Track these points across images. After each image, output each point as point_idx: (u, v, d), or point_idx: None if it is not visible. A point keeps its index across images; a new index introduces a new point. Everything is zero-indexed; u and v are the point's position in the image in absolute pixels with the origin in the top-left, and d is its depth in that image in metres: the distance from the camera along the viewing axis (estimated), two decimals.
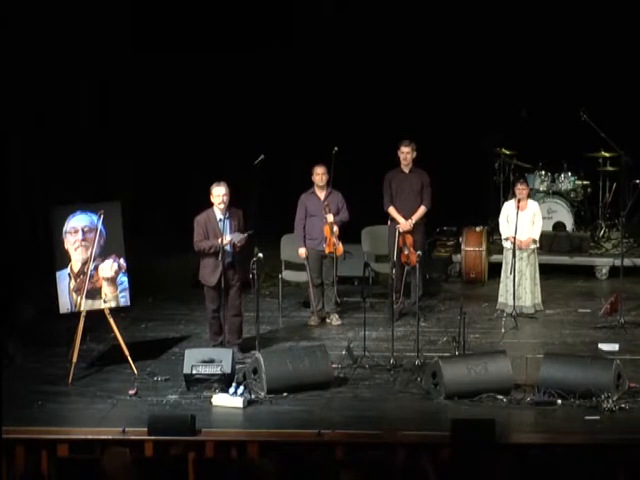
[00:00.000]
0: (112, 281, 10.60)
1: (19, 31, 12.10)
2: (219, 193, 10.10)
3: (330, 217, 11.17)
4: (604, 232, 13.85)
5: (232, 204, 10.26)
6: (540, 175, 13.78)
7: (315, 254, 11.35)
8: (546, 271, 12.34)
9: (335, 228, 11.20)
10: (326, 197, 11.33)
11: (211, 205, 10.22)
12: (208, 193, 10.20)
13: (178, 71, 14.35)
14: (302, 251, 11.37)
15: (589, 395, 8.77)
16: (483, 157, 13.91)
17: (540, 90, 14.01)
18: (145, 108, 14.06)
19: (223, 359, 9.42)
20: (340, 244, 11.26)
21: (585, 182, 13.95)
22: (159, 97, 14.14)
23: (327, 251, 11.26)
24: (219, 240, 10.06)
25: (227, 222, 10.20)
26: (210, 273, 10.25)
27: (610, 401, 8.66)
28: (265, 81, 14.49)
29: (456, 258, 13.41)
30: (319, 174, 11.30)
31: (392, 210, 11.53)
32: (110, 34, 13.44)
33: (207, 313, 10.50)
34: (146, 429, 8.17)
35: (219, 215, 10.18)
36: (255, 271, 10.12)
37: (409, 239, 11.40)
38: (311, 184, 11.42)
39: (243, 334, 10.53)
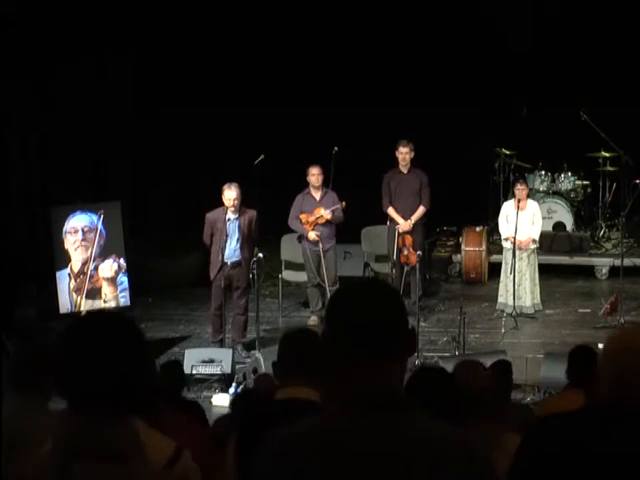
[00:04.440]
0: (112, 281, 10.62)
1: (19, 31, 12.11)
2: (230, 197, 10.12)
3: (328, 214, 11.13)
4: (604, 232, 13.85)
5: (243, 204, 10.31)
6: (540, 175, 13.77)
7: (312, 254, 11.34)
8: (546, 271, 12.34)
9: (326, 216, 11.11)
10: (322, 197, 11.33)
11: (223, 204, 10.24)
12: (216, 192, 10.24)
13: (178, 71, 14.35)
14: (312, 235, 11.26)
15: None
16: (483, 157, 13.90)
17: (540, 90, 14.01)
18: (144, 106, 14.06)
19: (223, 359, 9.43)
20: (311, 230, 11.20)
21: (585, 182, 13.93)
22: (159, 96, 14.13)
23: (303, 219, 11.21)
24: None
25: (236, 223, 10.23)
26: (212, 269, 10.35)
27: None
28: (265, 81, 14.49)
29: (456, 258, 13.41)
30: (314, 175, 11.28)
31: (391, 210, 11.53)
32: (112, 31, 13.43)
33: (210, 310, 10.53)
34: None
35: (229, 215, 10.21)
36: (255, 271, 10.14)
37: (408, 239, 11.39)
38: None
39: (247, 334, 10.57)
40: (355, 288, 2.58)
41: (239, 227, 10.24)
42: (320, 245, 11.21)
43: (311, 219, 11.21)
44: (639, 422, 2.96)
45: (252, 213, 10.37)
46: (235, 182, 10.17)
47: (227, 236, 10.15)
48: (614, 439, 2.94)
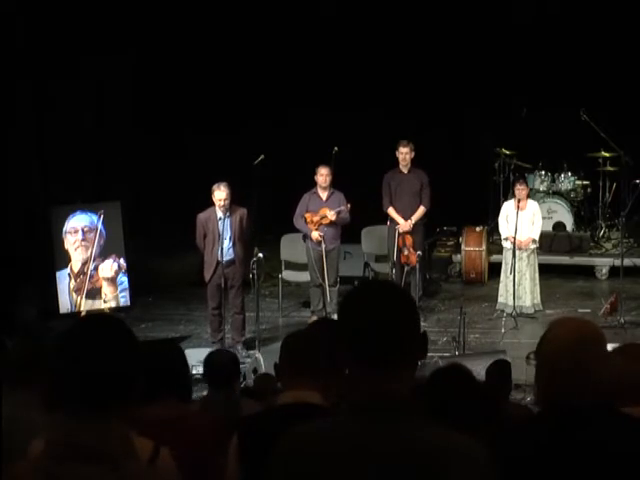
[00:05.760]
0: (112, 281, 10.63)
1: (19, 31, 12.11)
2: (220, 197, 10.11)
3: (333, 215, 11.11)
4: (604, 232, 13.85)
5: (234, 203, 10.30)
6: (540, 175, 13.77)
7: (316, 254, 11.33)
8: (546, 271, 12.34)
9: (331, 217, 11.11)
10: (328, 198, 11.32)
11: (214, 204, 10.25)
12: (209, 192, 10.22)
13: (178, 71, 14.36)
14: (316, 234, 11.26)
15: None
16: (483, 157, 13.90)
17: (540, 90, 14.01)
18: (144, 106, 14.06)
19: None
20: (316, 230, 11.18)
21: (585, 182, 13.93)
22: (159, 96, 14.14)
23: (307, 218, 11.21)
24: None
25: (227, 221, 10.23)
26: (206, 270, 10.35)
27: None
28: (265, 80, 14.50)
29: (456, 258, 13.41)
30: (323, 175, 11.26)
31: (391, 211, 11.53)
32: (112, 31, 13.43)
33: (208, 310, 10.54)
34: None
35: (219, 214, 10.21)
36: (255, 271, 10.15)
37: (409, 239, 11.39)
38: (312, 184, 11.40)
39: (245, 333, 10.59)
40: (365, 290, 2.56)
41: (231, 225, 10.25)
42: (323, 245, 11.20)
43: (315, 219, 11.20)
44: (594, 425, 2.93)
45: (242, 211, 10.37)
46: (224, 181, 10.16)
47: (219, 235, 10.16)
48: (571, 446, 2.91)
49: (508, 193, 13.31)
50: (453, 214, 13.53)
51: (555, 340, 3.02)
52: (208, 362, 5.87)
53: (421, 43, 14.30)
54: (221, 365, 5.78)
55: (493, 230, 13.28)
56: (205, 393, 9.07)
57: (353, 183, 11.91)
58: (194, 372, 9.36)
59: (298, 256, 11.81)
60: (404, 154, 11.45)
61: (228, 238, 10.28)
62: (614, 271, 12.59)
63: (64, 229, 10.58)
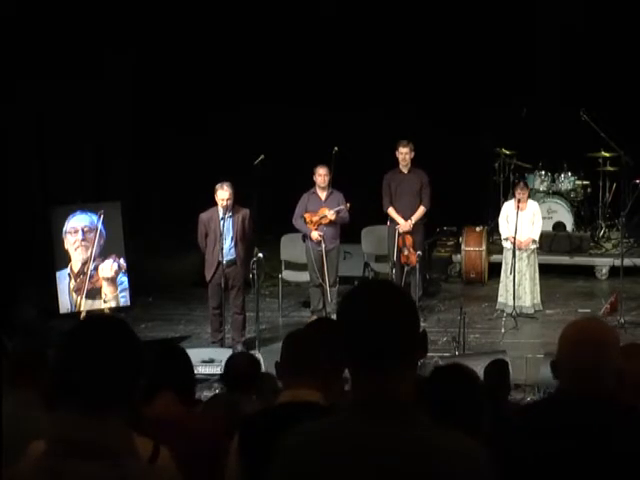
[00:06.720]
0: (112, 281, 10.62)
1: (19, 31, 12.11)
2: (223, 197, 10.12)
3: (332, 215, 11.12)
4: (604, 232, 13.85)
5: (237, 203, 10.31)
6: (540, 175, 13.77)
7: (315, 254, 11.33)
8: (546, 271, 12.34)
9: (330, 217, 11.11)
10: (327, 197, 11.33)
11: (216, 204, 10.25)
12: (211, 191, 10.22)
13: (178, 71, 14.35)
14: (315, 234, 11.26)
15: None
16: (483, 157, 13.90)
17: (540, 90, 14.01)
18: (144, 106, 14.06)
19: (223, 359, 9.41)
20: (316, 230, 11.18)
21: (585, 182, 13.93)
22: (158, 96, 14.14)
23: (307, 218, 11.22)
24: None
25: (229, 221, 10.24)
26: (207, 270, 10.36)
27: None
28: (266, 80, 14.49)
29: (456, 258, 13.41)
30: (321, 175, 11.26)
31: (392, 211, 11.53)
32: (112, 31, 13.44)
33: (209, 310, 10.54)
34: None
35: (222, 214, 10.22)
36: (255, 271, 10.15)
37: (409, 239, 11.40)
38: (312, 184, 11.40)
39: (245, 333, 10.59)
40: (364, 290, 2.56)
41: (233, 225, 10.26)
42: (323, 245, 11.20)
43: (315, 219, 11.20)
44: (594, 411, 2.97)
45: (245, 212, 10.38)
46: (227, 181, 10.16)
47: (221, 235, 10.16)
48: (573, 431, 2.95)
49: (508, 193, 13.31)
50: (453, 214, 13.52)
51: (563, 341, 3.09)
52: (229, 365, 5.93)
53: (421, 43, 14.30)
54: (241, 368, 5.81)
55: (493, 230, 13.28)
56: (205, 393, 9.12)
57: (353, 183, 11.90)
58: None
59: (298, 256, 11.81)
60: (404, 154, 11.45)
61: (229, 238, 10.28)
62: (614, 271, 12.58)
63: (64, 229, 10.57)
